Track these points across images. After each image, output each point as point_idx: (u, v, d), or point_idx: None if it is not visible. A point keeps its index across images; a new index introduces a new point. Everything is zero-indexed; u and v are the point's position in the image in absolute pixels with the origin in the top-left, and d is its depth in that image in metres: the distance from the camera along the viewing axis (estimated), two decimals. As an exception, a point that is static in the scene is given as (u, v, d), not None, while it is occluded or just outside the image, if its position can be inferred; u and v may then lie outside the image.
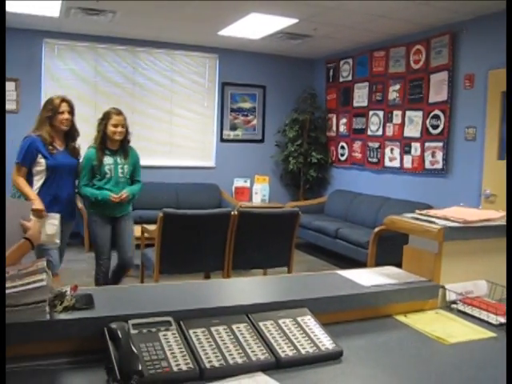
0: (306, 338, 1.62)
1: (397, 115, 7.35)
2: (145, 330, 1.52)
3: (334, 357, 1.59)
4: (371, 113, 7.91)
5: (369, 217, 7.39)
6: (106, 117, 4.56)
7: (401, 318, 2.01)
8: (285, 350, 1.55)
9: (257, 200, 8.78)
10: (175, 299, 1.78)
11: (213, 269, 4.99)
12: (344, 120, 8.58)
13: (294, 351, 1.56)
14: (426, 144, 6.84)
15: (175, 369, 1.41)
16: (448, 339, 1.82)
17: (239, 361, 1.48)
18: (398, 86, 7.36)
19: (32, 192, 4.13)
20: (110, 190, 4.55)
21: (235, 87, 9.11)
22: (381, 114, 7.71)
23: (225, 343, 1.54)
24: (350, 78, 8.46)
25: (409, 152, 7.13)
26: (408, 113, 7.15)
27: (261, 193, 8.82)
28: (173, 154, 8.83)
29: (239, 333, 1.59)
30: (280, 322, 1.67)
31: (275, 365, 1.51)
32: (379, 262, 2.57)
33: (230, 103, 9.11)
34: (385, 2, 5.71)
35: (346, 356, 1.62)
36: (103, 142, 4.57)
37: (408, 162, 7.15)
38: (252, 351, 1.52)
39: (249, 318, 1.66)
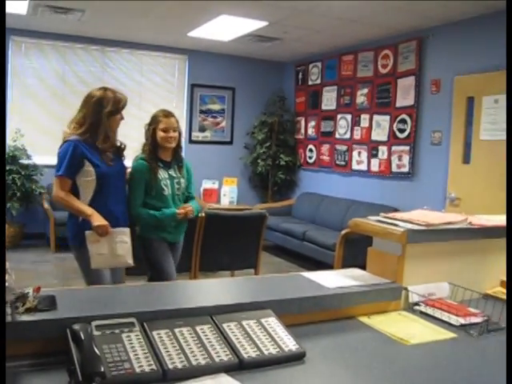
0: (270, 340, 1.63)
1: (364, 119, 7.43)
2: (108, 331, 1.51)
3: (296, 358, 1.60)
4: (339, 116, 7.98)
5: (336, 219, 7.45)
6: (153, 121, 3.83)
7: (364, 319, 2.03)
8: (248, 352, 1.56)
9: (225, 202, 8.78)
10: (139, 300, 1.77)
11: (179, 270, 4.94)
12: (312, 123, 8.64)
13: (257, 352, 1.57)
14: (393, 148, 6.93)
15: (138, 370, 1.40)
16: (409, 340, 1.85)
17: (202, 362, 1.48)
18: (365, 90, 7.44)
19: (87, 207, 3.30)
20: (167, 207, 3.77)
21: (204, 89, 9.10)
22: (349, 117, 7.78)
23: (188, 344, 1.53)
24: (318, 81, 8.53)
25: (376, 155, 7.22)
26: (375, 117, 7.23)
27: (229, 195, 8.81)
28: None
29: (203, 334, 1.59)
30: (244, 323, 1.68)
31: (238, 366, 1.51)
32: (346, 264, 2.60)
33: (199, 105, 9.10)
34: (355, 7, 5.77)
35: (308, 357, 1.63)
36: (154, 152, 3.78)
37: (375, 165, 7.23)
38: (215, 352, 1.53)
39: (213, 319, 1.66)
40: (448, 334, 1.95)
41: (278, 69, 9.52)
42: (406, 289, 2.18)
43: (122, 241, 3.30)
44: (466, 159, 5.93)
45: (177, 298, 1.83)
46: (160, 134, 3.74)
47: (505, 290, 2.55)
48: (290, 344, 1.63)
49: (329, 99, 8.23)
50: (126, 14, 6.73)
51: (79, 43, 8.17)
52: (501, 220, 2.65)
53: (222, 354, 1.53)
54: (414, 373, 1.61)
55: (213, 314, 1.69)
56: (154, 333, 1.55)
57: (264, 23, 6.77)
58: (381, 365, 1.64)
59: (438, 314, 2.11)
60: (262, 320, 1.71)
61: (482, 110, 5.73)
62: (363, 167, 7.49)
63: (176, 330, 1.58)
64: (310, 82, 8.75)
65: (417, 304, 2.20)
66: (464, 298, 2.29)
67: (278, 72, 9.53)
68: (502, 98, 5.50)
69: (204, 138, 9.15)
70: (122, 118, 3.47)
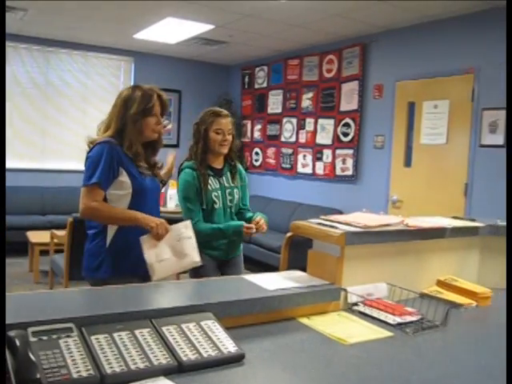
0: (209, 342, 1.64)
1: (309, 122, 7.53)
2: (45, 337, 1.49)
3: (235, 360, 1.62)
4: (285, 120, 8.06)
5: (282, 222, 7.51)
6: (204, 120, 3.22)
7: (304, 320, 2.07)
8: (187, 354, 1.57)
9: (171, 205, 8.70)
10: (78, 305, 1.76)
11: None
12: (259, 126, 8.70)
13: (197, 355, 1.58)
14: (337, 151, 7.04)
15: (75, 375, 1.39)
16: (348, 340, 1.89)
17: (141, 366, 1.48)
18: (311, 94, 7.54)
19: (130, 211, 2.62)
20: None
21: (151, 91, 9.02)
22: (294, 121, 7.87)
23: (127, 349, 1.53)
24: (265, 84, 8.59)
25: (321, 159, 7.32)
26: (320, 120, 7.34)
27: (175, 198, 8.75)
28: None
29: (142, 338, 1.59)
30: (183, 326, 1.68)
31: (177, 369, 1.52)
32: (291, 266, 2.64)
33: (145, 107, 9.01)
34: (299, 12, 5.85)
35: (248, 358, 1.65)
36: (204, 158, 3.23)
37: (320, 168, 7.33)
38: (154, 356, 1.53)
39: (152, 323, 1.66)
40: (385, 333, 2.00)
41: (225, 72, 9.55)
42: (344, 290, 2.23)
43: (186, 236, 2.65)
44: (408, 162, 6.09)
45: (116, 302, 1.81)
46: (213, 136, 3.18)
47: (440, 289, 2.64)
48: (229, 346, 1.64)
49: (275, 103, 8.31)
50: (71, 15, 6.62)
51: (22, 43, 7.99)
52: (436, 222, 2.74)
53: (161, 358, 1.53)
54: (350, 372, 1.65)
55: (153, 317, 1.69)
56: (93, 338, 1.54)
57: (210, 26, 6.78)
58: (319, 365, 1.68)
59: (375, 313, 2.17)
60: (202, 323, 1.72)
61: (422, 115, 5.90)
62: (308, 170, 7.59)
63: (115, 335, 1.57)
64: (256, 86, 8.81)
65: (355, 304, 2.25)
66: (401, 297, 2.36)
67: (225, 75, 9.55)
68: (441, 104, 5.68)
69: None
70: (160, 123, 2.75)
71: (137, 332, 1.61)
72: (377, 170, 6.50)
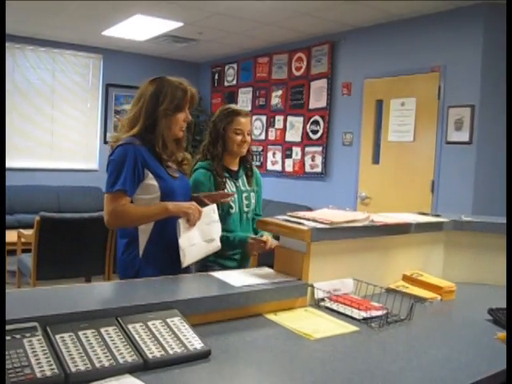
0: (175, 339, 1.64)
1: (279, 120, 7.56)
2: (8, 337, 1.48)
3: (201, 356, 1.63)
4: (255, 117, 8.07)
5: (253, 219, 7.53)
6: (224, 118, 2.95)
7: (271, 316, 2.08)
8: (153, 352, 1.57)
9: (141, 203, 8.67)
10: (43, 304, 1.74)
11: (93, 273, 4.88)
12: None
13: (162, 352, 1.58)
14: (307, 148, 7.08)
15: (39, 375, 1.38)
16: (314, 335, 1.91)
17: (106, 364, 1.47)
18: (280, 92, 7.57)
19: (158, 204, 2.40)
20: (232, 231, 2.91)
21: (120, 89, 8.97)
22: (264, 118, 7.89)
23: (92, 347, 1.52)
24: (234, 82, 8.59)
25: (290, 156, 7.36)
26: (289, 118, 7.37)
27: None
28: (54, 155, 8.54)
29: (107, 336, 1.58)
30: (149, 323, 1.68)
31: (143, 366, 1.52)
32: (263, 263, 2.61)
33: (114, 105, 8.96)
34: (268, 11, 5.86)
35: (214, 355, 1.65)
36: (218, 158, 2.95)
37: (289, 165, 7.37)
38: (120, 354, 1.52)
39: (118, 320, 1.66)
40: (351, 328, 2.03)
41: (194, 70, 9.52)
42: (311, 285, 2.25)
43: (215, 220, 2.52)
44: (376, 160, 6.15)
45: (82, 301, 1.80)
46: (232, 136, 2.92)
47: (406, 284, 2.69)
48: (195, 343, 1.65)
49: (244, 100, 8.31)
50: (38, 11, 6.52)
51: (-14, 40, 7.85)
52: (402, 217, 2.78)
53: (127, 355, 1.53)
54: (315, 366, 1.67)
55: (119, 315, 1.69)
56: (57, 336, 1.53)
57: (179, 24, 6.75)
58: (284, 360, 1.69)
59: (341, 308, 2.19)
60: (168, 320, 1.72)
61: (390, 113, 5.97)
62: (278, 167, 7.61)
63: (80, 333, 1.57)
64: (225, 84, 8.80)
65: (322, 300, 2.27)
66: (367, 292, 2.39)
67: (194, 73, 9.52)
68: (408, 102, 5.75)
69: (111, 136, 9.01)
70: (188, 119, 2.55)
71: (102, 330, 1.60)
72: (345, 167, 6.55)
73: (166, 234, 2.42)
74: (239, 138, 2.91)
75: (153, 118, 2.44)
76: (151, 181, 2.39)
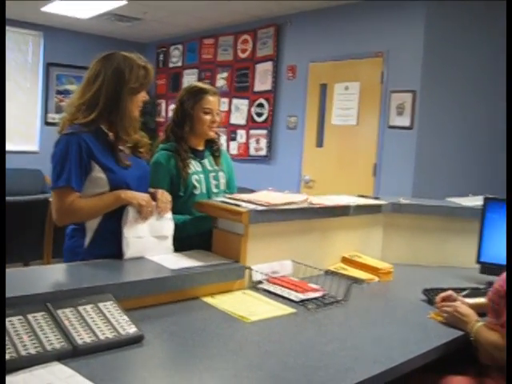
0: (107, 324, 1.61)
1: (224, 103, 7.48)
2: None
3: (134, 341, 1.60)
4: (200, 100, 7.98)
5: (197, 202, 7.49)
6: (192, 97, 2.76)
7: (208, 299, 2.06)
8: (83, 337, 1.53)
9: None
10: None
11: (32, 258, 4.75)
12: (173, 106, 8.56)
13: (93, 338, 1.54)
14: (251, 131, 7.05)
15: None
16: (250, 317, 1.91)
17: (32, 351, 1.43)
18: (225, 74, 7.50)
19: (110, 193, 2.20)
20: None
21: (62, 68, 8.70)
22: (209, 100, 7.80)
23: (18, 334, 1.47)
24: (179, 63, 8.46)
25: (235, 139, 7.31)
26: (235, 100, 7.32)
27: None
28: (-9, 137, 8.25)
29: (35, 322, 1.53)
30: (80, 308, 1.64)
31: (72, 353, 1.48)
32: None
33: (55, 85, 8.69)
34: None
35: (148, 339, 1.63)
36: (184, 138, 2.77)
37: (234, 148, 7.33)
38: (48, 340, 1.48)
39: (47, 306, 1.61)
40: (288, 310, 2.03)
41: (139, 50, 9.11)
42: (249, 268, 2.24)
43: (167, 217, 2.34)
44: (319, 143, 6.17)
45: (9, 286, 1.73)
46: (201, 116, 2.73)
47: (345, 266, 2.71)
48: (127, 327, 1.61)
49: (189, 82, 8.20)
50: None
51: None
52: (341, 200, 2.80)
53: (55, 342, 1.48)
54: (249, 348, 1.67)
55: (48, 300, 1.63)
56: (-19, 323, 1.47)
57: (123, 2, 6.56)
58: (218, 343, 1.68)
59: (279, 290, 2.20)
60: (100, 304, 1.68)
61: (333, 96, 5.99)
62: (223, 150, 7.57)
63: (6, 320, 1.51)
64: (170, 65, 8.66)
65: (260, 282, 2.27)
66: (306, 274, 2.41)
67: (139, 53, 9.27)
68: (352, 86, 5.78)
69: (61, 119, 8.76)
70: (145, 98, 2.37)
71: (30, 316, 1.55)
72: (290, 150, 6.56)
73: (114, 224, 2.21)
74: (208, 117, 2.73)
75: (116, 98, 2.23)
76: (99, 173, 2.19)
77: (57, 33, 8.49)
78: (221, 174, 2.84)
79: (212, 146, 2.87)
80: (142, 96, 2.33)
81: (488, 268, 2.69)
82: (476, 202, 3.05)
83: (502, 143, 4.83)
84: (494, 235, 2.69)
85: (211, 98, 2.76)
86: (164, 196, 2.33)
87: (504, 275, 1.94)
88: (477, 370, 1.99)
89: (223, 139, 7.47)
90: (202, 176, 2.72)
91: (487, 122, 5.31)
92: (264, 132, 6.87)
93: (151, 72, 2.39)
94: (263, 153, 6.89)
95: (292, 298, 2.13)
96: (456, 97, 5.22)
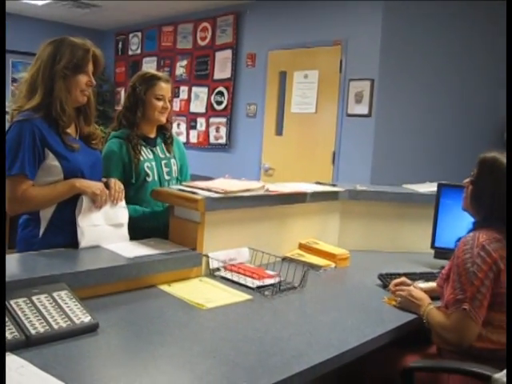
0: (61, 313, 1.60)
1: (183, 91, 7.45)
2: None
3: (89, 330, 1.59)
4: (159, 88, 7.91)
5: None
6: (144, 83, 2.76)
7: (165, 287, 2.07)
8: (36, 327, 1.51)
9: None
10: None
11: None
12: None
13: (47, 327, 1.53)
14: (211, 119, 7.03)
15: None
16: (206, 304, 1.92)
17: (-16, 342, 1.41)
18: (185, 62, 7.45)
19: (63, 182, 2.17)
20: (150, 201, 2.62)
21: (17, 55, 8.51)
22: (168, 88, 7.74)
23: (-31, 324, 1.45)
24: (138, 51, 8.36)
25: (195, 127, 7.28)
26: (194, 88, 7.28)
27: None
28: None
29: (-14, 312, 1.51)
30: (34, 298, 1.62)
31: (25, 343, 1.47)
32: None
33: (11, 72, 8.52)
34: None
35: (103, 328, 1.62)
36: (135, 126, 2.75)
37: (194, 136, 7.30)
38: (-1, 331, 1.46)
39: (-1, 296, 1.59)
40: (244, 297, 2.05)
41: (98, 37, 9.16)
42: (206, 255, 2.25)
43: (121, 205, 2.32)
44: (279, 131, 6.19)
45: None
46: (153, 102, 2.73)
47: (302, 253, 2.74)
48: (82, 316, 1.61)
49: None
50: None
51: None
52: (298, 187, 2.82)
53: (7, 333, 1.47)
54: (205, 335, 1.68)
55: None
56: None
57: (79, -12, 6.47)
58: (174, 330, 1.69)
59: (236, 277, 2.21)
60: (54, 294, 1.67)
61: (293, 85, 6.01)
62: (183, 139, 7.50)
63: (-44, 311, 1.49)
64: (130, 52, 8.55)
65: (217, 269, 2.28)
66: (263, 261, 2.42)
67: (98, 41, 9.02)
68: (311, 74, 5.81)
69: (9, 107, 8.60)
70: (91, 83, 2.28)
71: (-20, 307, 1.53)
72: (249, 138, 6.56)
73: (68, 213, 2.18)
74: (160, 103, 2.74)
75: (50, 80, 2.17)
76: (53, 161, 2.14)
77: (11, 19, 8.26)
78: (173, 161, 2.84)
79: (164, 133, 2.87)
80: (85, 79, 2.25)
81: (442, 253, 2.74)
82: (431, 188, 3.11)
83: (464, 130, 4.95)
84: (448, 221, 2.75)
85: (164, 85, 2.78)
86: (117, 185, 2.32)
87: (451, 260, 2.01)
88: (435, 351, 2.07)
89: (183, 127, 7.44)
90: (153, 163, 2.72)
91: (448, 109, 5.38)
92: (224, 120, 6.85)
93: (91, 53, 2.30)
94: (223, 141, 6.88)
95: (249, 284, 2.15)
96: (415, 84, 5.28)
